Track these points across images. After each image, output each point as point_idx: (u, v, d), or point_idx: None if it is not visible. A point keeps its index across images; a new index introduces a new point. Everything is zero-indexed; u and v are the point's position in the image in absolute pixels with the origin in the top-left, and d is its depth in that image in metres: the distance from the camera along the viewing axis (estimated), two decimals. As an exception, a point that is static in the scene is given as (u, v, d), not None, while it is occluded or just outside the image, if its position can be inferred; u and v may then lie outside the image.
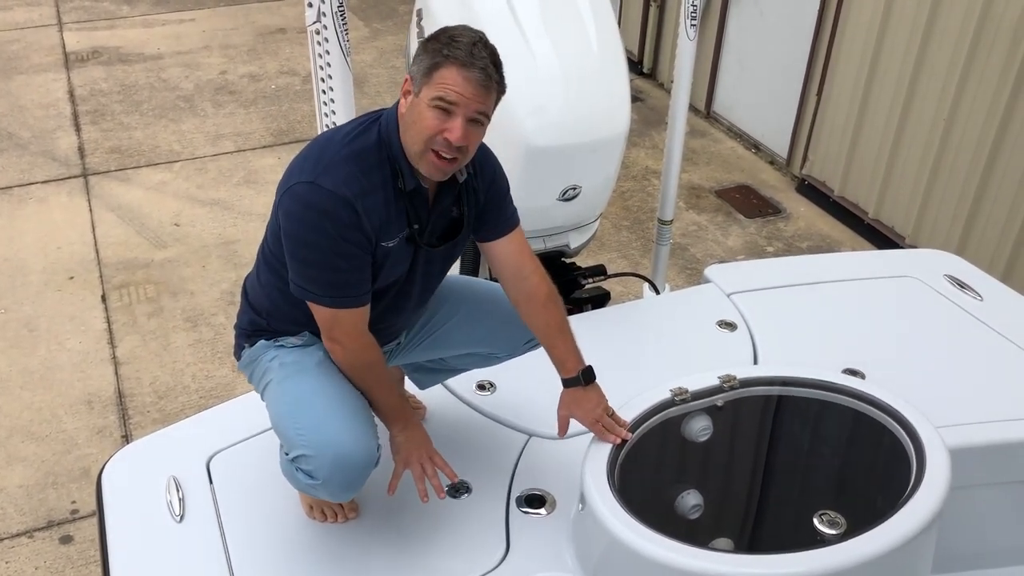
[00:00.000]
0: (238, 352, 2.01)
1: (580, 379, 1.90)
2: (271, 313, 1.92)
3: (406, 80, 1.75)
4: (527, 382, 2.22)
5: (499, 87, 1.74)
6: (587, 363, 1.93)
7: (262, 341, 1.93)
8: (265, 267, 1.89)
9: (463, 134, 1.70)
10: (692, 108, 5.98)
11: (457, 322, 2.08)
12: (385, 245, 1.78)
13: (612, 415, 1.90)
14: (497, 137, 2.51)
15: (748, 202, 5.20)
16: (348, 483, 1.77)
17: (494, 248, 1.96)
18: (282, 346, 1.90)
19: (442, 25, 2.58)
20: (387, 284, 1.86)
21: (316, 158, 1.75)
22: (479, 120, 1.73)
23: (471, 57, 1.68)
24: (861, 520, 1.74)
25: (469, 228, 1.93)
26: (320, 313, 1.80)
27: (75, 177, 5.25)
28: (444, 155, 1.71)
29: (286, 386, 1.85)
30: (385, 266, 1.81)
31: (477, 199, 1.91)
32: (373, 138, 1.77)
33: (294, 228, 1.73)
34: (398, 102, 1.79)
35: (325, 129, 2.50)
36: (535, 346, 2.03)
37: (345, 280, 1.75)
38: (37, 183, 5.17)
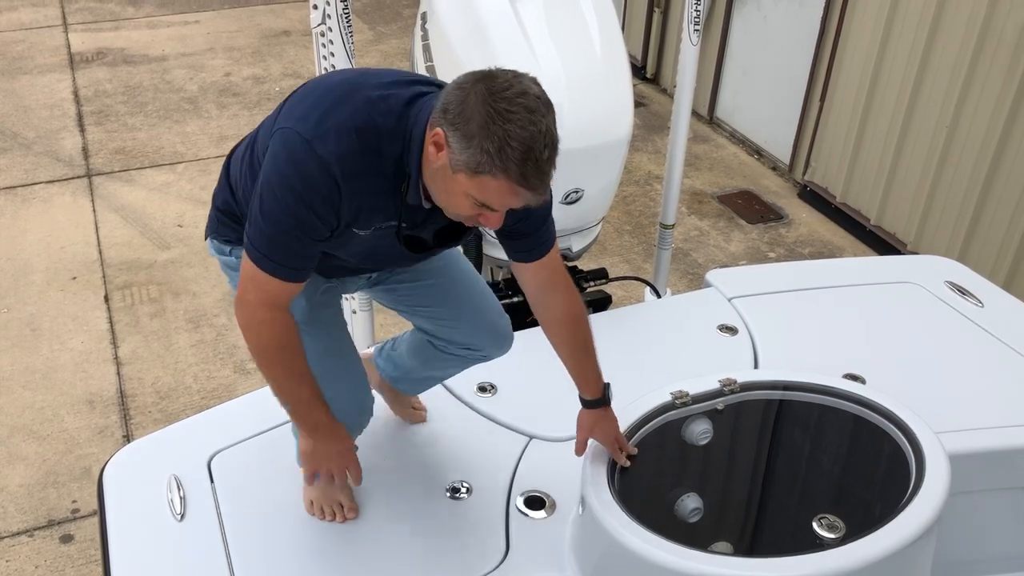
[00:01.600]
0: (209, 234, 1.89)
1: (602, 401, 1.87)
2: (248, 201, 1.72)
3: (437, 133, 1.50)
4: (528, 384, 2.23)
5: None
6: (608, 384, 1.89)
7: (238, 253, 1.79)
8: (250, 154, 1.72)
9: (501, 222, 1.56)
10: (695, 113, 5.99)
11: (428, 284, 1.95)
12: (356, 231, 1.64)
13: None
14: (500, 140, 2.53)
15: (750, 208, 5.21)
16: (357, 413, 1.86)
17: (525, 270, 1.81)
18: None
19: (446, 30, 2.58)
20: (362, 258, 1.75)
21: (327, 110, 1.55)
22: None
23: (528, 179, 1.44)
24: (860, 524, 1.74)
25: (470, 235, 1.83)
26: (246, 268, 1.62)
27: (79, 178, 5.27)
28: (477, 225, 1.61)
29: None
30: (354, 246, 1.70)
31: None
32: (391, 126, 1.56)
33: (270, 173, 1.57)
34: (423, 110, 1.57)
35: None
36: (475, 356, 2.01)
37: (288, 248, 1.58)
38: (41, 183, 5.19)
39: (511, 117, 1.42)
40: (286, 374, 1.67)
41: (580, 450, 1.88)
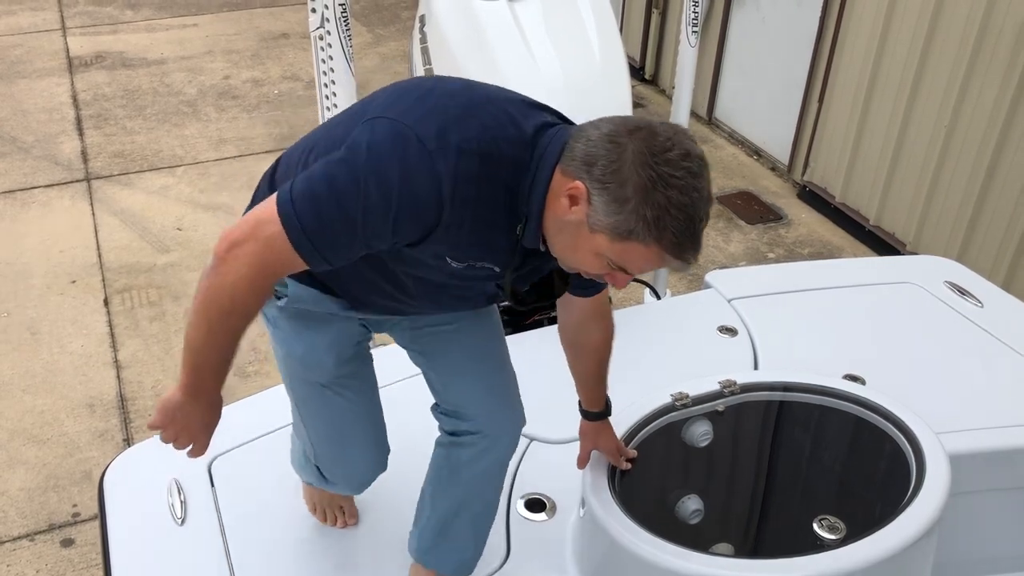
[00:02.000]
0: None
1: (605, 413, 1.86)
2: None
3: (576, 187, 1.33)
4: (527, 387, 2.22)
5: None
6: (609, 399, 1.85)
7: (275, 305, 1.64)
8: (310, 157, 1.50)
9: (627, 283, 1.43)
10: (693, 114, 5.98)
11: (453, 328, 1.77)
12: (449, 262, 1.46)
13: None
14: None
15: (749, 208, 5.21)
16: (359, 487, 1.78)
17: (575, 302, 1.70)
18: (296, 316, 1.63)
19: (445, 33, 2.58)
20: (424, 288, 1.57)
21: (451, 119, 1.35)
22: None
23: (685, 252, 1.32)
24: (861, 525, 1.74)
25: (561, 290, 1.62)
26: (264, 211, 1.36)
27: (78, 181, 5.26)
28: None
29: (302, 387, 1.72)
30: (430, 274, 1.51)
31: None
32: (519, 155, 1.37)
33: (360, 150, 1.34)
34: (552, 145, 1.39)
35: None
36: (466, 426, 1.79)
37: (332, 230, 1.34)
38: (40, 187, 5.19)
39: (675, 183, 1.28)
40: (215, 330, 1.44)
41: (583, 463, 1.86)
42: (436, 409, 1.85)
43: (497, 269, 1.49)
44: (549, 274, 1.58)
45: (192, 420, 1.49)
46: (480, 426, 1.79)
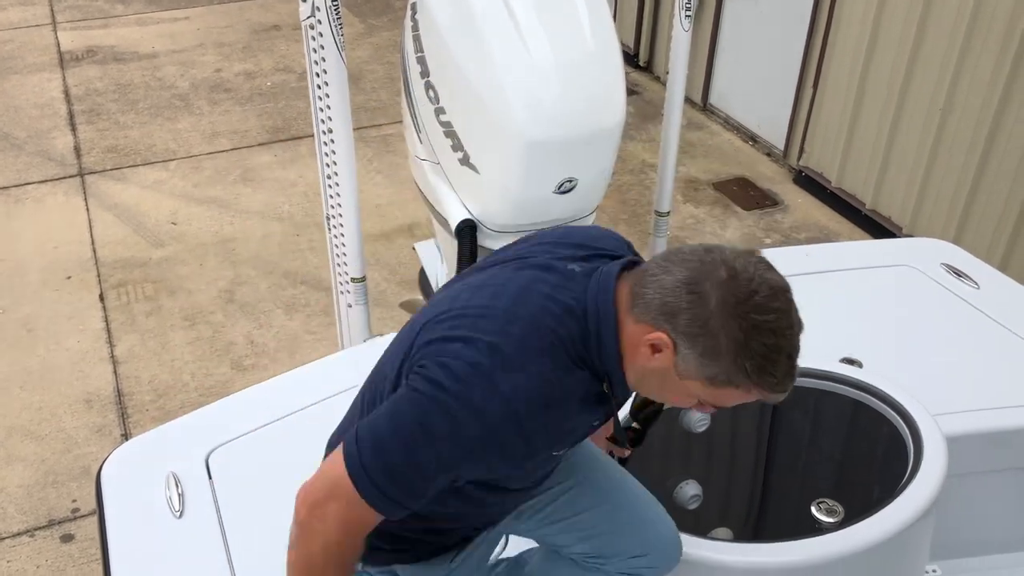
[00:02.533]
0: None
1: None
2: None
3: (659, 337, 1.27)
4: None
5: None
6: None
7: None
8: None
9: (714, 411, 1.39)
10: (688, 101, 5.98)
11: (569, 486, 1.64)
12: (556, 453, 1.42)
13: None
14: (493, 131, 2.51)
15: (745, 194, 5.20)
16: None
17: None
18: None
19: (436, 20, 2.57)
20: (534, 478, 1.51)
21: (510, 322, 1.29)
22: None
23: (778, 391, 1.30)
24: (859, 508, 1.74)
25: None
26: (336, 471, 1.33)
27: (71, 177, 5.25)
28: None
29: None
30: (542, 465, 1.47)
31: None
32: (575, 327, 1.32)
33: (418, 402, 1.29)
34: (606, 286, 1.34)
35: (321, 125, 2.50)
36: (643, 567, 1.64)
37: (408, 482, 1.30)
38: (33, 183, 5.17)
39: (768, 327, 1.24)
40: None
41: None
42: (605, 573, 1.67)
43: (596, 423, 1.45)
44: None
45: None
46: (655, 560, 1.65)
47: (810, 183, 5.15)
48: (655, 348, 1.29)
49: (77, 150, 5.51)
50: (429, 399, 1.28)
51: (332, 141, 2.46)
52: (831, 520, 1.83)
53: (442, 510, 1.46)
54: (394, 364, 1.40)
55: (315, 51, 2.31)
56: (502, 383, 1.26)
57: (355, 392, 1.59)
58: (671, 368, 1.29)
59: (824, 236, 4.81)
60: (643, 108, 6.05)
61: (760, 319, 1.24)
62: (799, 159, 5.23)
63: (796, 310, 1.29)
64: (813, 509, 1.86)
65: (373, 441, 1.31)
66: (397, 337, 1.47)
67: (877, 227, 4.71)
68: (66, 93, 6.17)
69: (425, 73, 2.68)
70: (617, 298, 1.33)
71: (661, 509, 1.67)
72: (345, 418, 1.59)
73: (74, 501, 3.26)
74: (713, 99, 5.97)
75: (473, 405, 1.26)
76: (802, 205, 5.09)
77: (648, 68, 6.52)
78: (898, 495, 1.73)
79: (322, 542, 1.34)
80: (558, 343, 1.31)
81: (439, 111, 2.65)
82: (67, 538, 3.14)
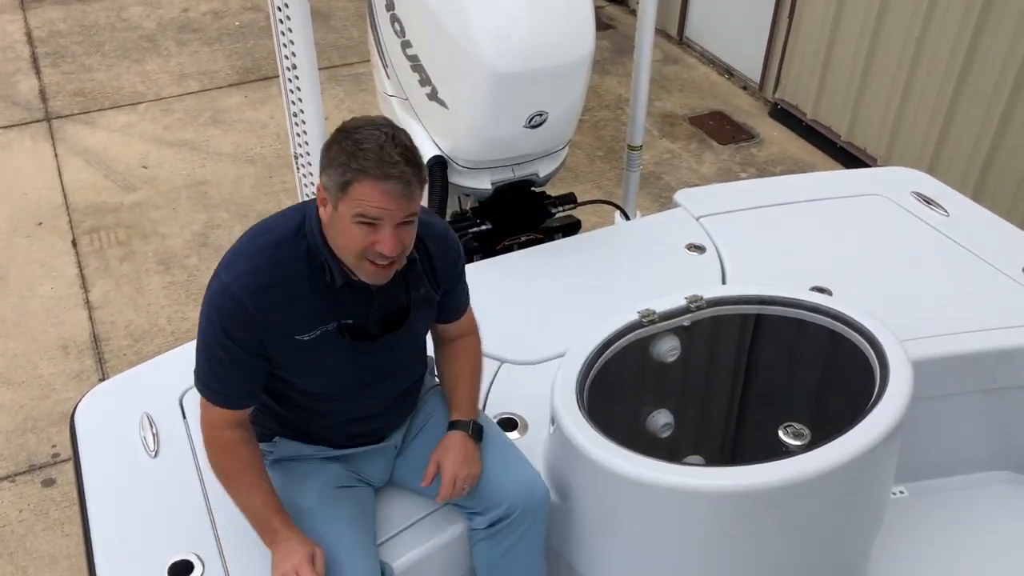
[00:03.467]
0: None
1: (468, 428, 1.83)
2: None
3: (319, 188, 1.62)
4: (498, 311, 2.23)
5: (421, 183, 1.61)
6: (481, 423, 1.87)
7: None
8: None
9: (395, 243, 1.59)
10: (664, 34, 5.90)
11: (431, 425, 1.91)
12: (300, 339, 1.68)
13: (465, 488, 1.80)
14: (459, 64, 2.48)
15: (722, 128, 5.18)
16: None
17: (448, 326, 1.92)
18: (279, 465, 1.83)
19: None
20: (329, 379, 1.75)
21: (233, 249, 1.71)
22: (409, 221, 1.62)
23: (382, 166, 1.55)
24: (825, 432, 1.77)
25: (419, 314, 1.79)
26: (200, 400, 1.74)
27: (38, 122, 5.15)
28: (381, 262, 1.62)
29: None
30: (310, 361, 1.71)
31: (436, 281, 1.80)
32: (291, 229, 1.68)
33: (201, 315, 1.71)
34: (311, 203, 1.69)
35: (285, 61, 2.46)
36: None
37: (221, 375, 1.69)
38: (-1, 129, 5.08)
39: (358, 135, 1.58)
40: (236, 486, 1.72)
41: (427, 480, 1.81)
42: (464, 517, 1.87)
43: (349, 321, 1.71)
44: (400, 310, 1.77)
45: (291, 559, 1.65)
46: (514, 507, 1.81)
47: (786, 116, 5.13)
48: (322, 202, 1.63)
49: (43, 94, 5.40)
50: (201, 310, 1.71)
51: (297, 78, 2.42)
52: (798, 443, 1.86)
53: (279, 409, 1.81)
54: None
55: (277, -16, 2.25)
56: (223, 276, 1.67)
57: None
58: (332, 208, 1.60)
59: (800, 169, 4.81)
60: (619, 42, 5.97)
61: (355, 136, 1.58)
62: (775, 92, 5.20)
63: (396, 131, 1.59)
64: (780, 433, 1.89)
65: (196, 360, 1.72)
66: None
67: (853, 159, 4.71)
68: (28, 35, 6.02)
69: (390, 6, 2.63)
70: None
71: (528, 465, 1.86)
72: None
73: (54, 446, 3.26)
74: (689, 32, 5.90)
75: (211, 298, 1.68)
76: (778, 138, 5.08)
77: (624, 1, 6.42)
78: (863, 418, 1.75)
79: (207, 445, 1.74)
80: (270, 243, 1.67)
81: (405, 44, 2.61)
82: (48, 482, 3.15)
